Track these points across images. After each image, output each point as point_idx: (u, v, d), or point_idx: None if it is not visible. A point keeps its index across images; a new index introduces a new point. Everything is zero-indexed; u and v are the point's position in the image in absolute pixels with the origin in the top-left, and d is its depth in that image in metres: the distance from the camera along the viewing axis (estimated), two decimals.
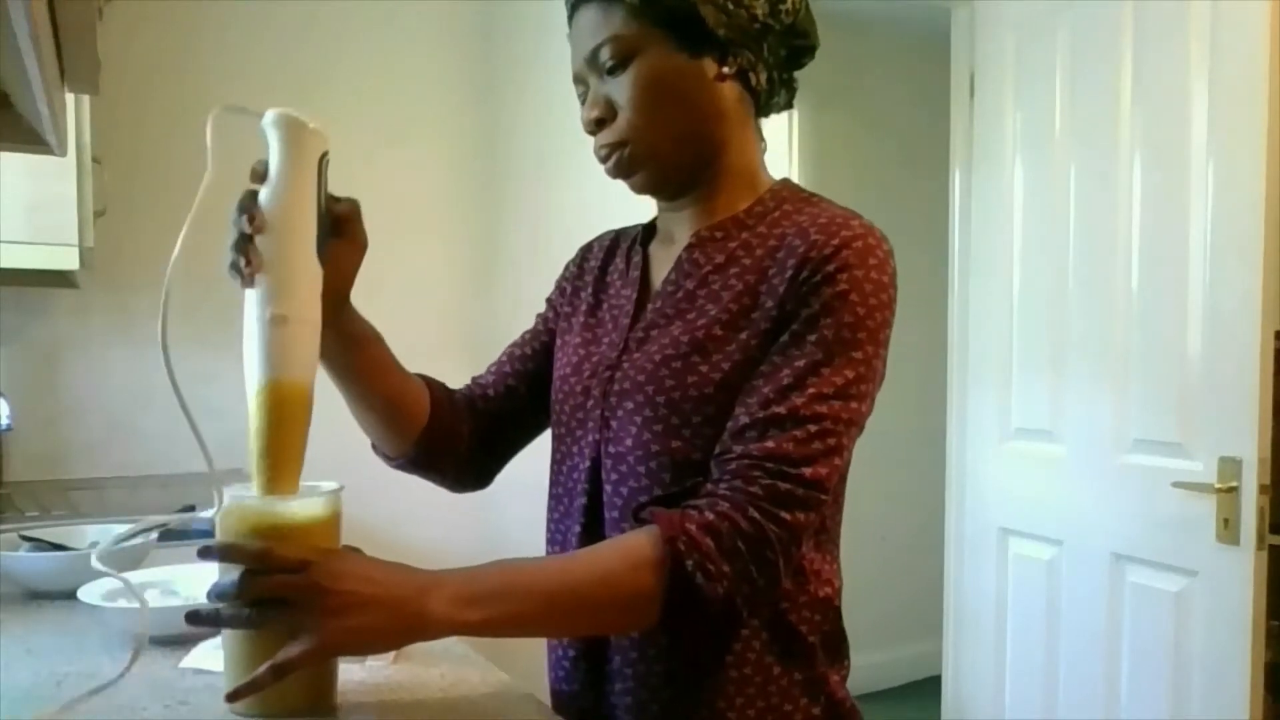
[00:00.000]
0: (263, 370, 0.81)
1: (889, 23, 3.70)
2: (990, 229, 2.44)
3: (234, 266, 0.81)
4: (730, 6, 0.90)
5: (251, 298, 0.82)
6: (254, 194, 0.82)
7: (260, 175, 0.82)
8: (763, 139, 1.00)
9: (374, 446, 1.06)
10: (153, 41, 2.35)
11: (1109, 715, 2.11)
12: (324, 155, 0.85)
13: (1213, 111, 1.87)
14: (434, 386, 1.05)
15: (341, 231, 0.89)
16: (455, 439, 1.05)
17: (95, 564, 0.84)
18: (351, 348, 0.95)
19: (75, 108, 1.74)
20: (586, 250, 1.11)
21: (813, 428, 0.82)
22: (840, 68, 3.59)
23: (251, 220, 0.80)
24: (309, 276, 0.83)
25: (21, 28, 0.59)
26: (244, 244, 0.80)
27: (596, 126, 0.94)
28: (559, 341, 1.06)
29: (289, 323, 0.81)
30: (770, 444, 0.82)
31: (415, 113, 2.68)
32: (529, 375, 1.08)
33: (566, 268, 1.12)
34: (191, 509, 1.49)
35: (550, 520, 1.02)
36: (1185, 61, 1.92)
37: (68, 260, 1.84)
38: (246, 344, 0.82)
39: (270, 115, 0.83)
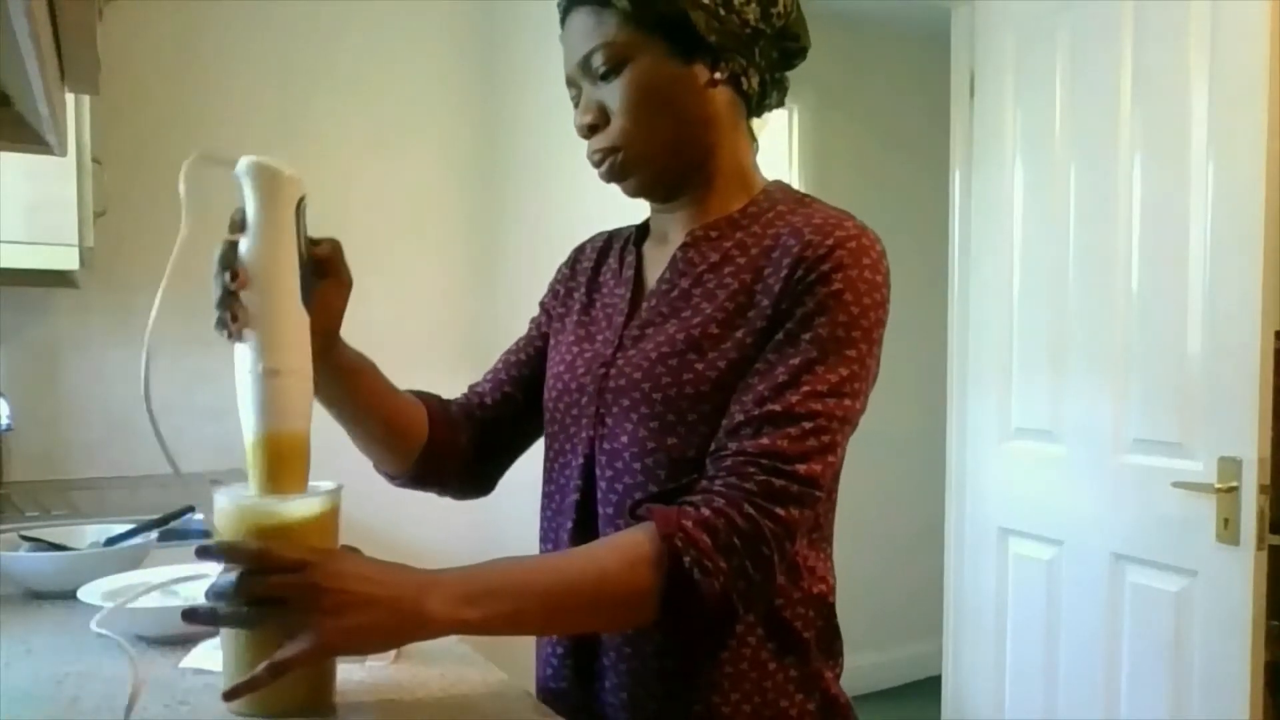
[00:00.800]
0: (259, 423, 0.81)
1: (889, 23, 3.70)
2: (990, 229, 2.44)
3: (220, 323, 0.81)
4: (722, 13, 0.91)
5: (242, 352, 0.82)
6: (234, 245, 0.81)
7: (239, 225, 0.82)
8: (754, 139, 1.00)
9: (376, 467, 1.07)
10: (153, 41, 2.35)
11: (1109, 715, 2.11)
12: (301, 200, 0.84)
13: (1213, 111, 1.87)
14: (430, 403, 1.06)
15: (325, 273, 0.89)
16: (455, 452, 1.06)
17: (96, 628, 0.84)
18: (344, 382, 0.96)
19: (75, 108, 1.74)
20: (579, 252, 1.12)
21: (807, 425, 0.83)
22: (840, 68, 3.59)
23: (235, 277, 0.80)
24: (297, 326, 0.83)
25: (21, 28, 0.59)
26: (229, 300, 0.81)
27: (589, 132, 0.95)
28: (552, 342, 1.06)
29: (281, 375, 0.81)
30: (765, 441, 0.83)
31: (414, 113, 2.68)
32: (525, 381, 1.09)
33: (559, 270, 1.13)
34: (191, 509, 1.49)
35: (543, 518, 1.02)
36: (1185, 61, 1.92)
37: (68, 260, 1.84)
38: (240, 397, 0.82)
39: (244, 164, 0.82)
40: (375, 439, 1.02)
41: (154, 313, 0.79)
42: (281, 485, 0.82)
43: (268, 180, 0.82)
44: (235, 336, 0.82)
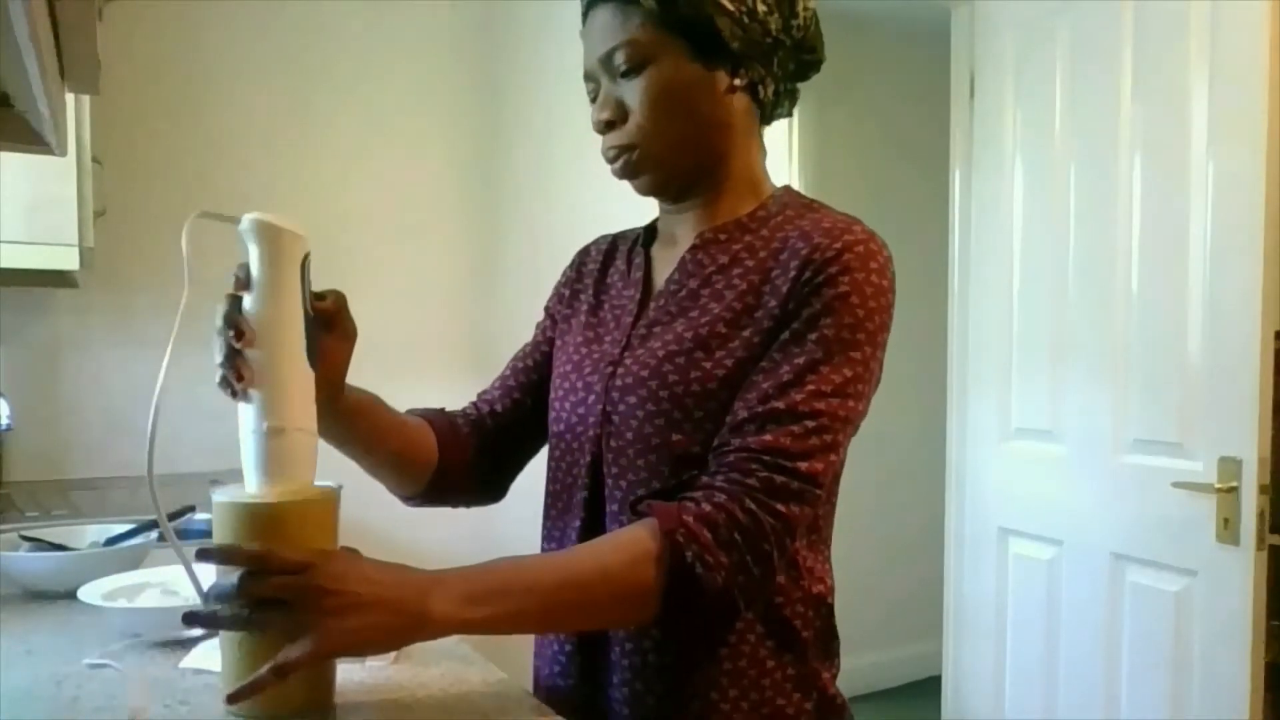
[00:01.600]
0: (261, 481, 0.81)
1: (889, 23, 3.70)
2: (990, 229, 2.44)
3: (224, 381, 0.81)
4: (746, 20, 0.92)
5: (246, 410, 0.82)
6: (238, 302, 0.81)
7: (243, 283, 0.82)
8: (764, 146, 1.01)
9: (389, 490, 1.08)
10: (153, 41, 2.34)
11: (1109, 715, 2.11)
12: (306, 256, 0.84)
13: (1213, 111, 1.87)
14: (437, 423, 1.06)
15: (330, 326, 0.89)
16: (465, 467, 1.07)
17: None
18: (352, 426, 0.97)
19: (75, 108, 1.74)
20: (584, 254, 1.12)
21: (810, 424, 0.84)
22: (840, 68, 3.56)
23: (239, 335, 0.80)
24: (302, 384, 0.83)
25: (21, 28, 0.59)
26: (233, 358, 0.80)
27: (606, 128, 0.95)
28: (559, 343, 1.06)
29: (285, 434, 0.81)
30: (768, 438, 0.83)
31: (415, 114, 2.68)
32: (533, 387, 1.09)
33: (564, 274, 1.13)
34: (191, 509, 1.49)
35: (547, 517, 1.03)
36: (1185, 61, 1.92)
37: (68, 260, 1.84)
38: (244, 455, 0.82)
39: (247, 222, 0.81)
40: (386, 469, 1.03)
41: (161, 375, 0.79)
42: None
43: (272, 238, 0.82)
44: (240, 395, 0.82)
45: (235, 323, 0.80)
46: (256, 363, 0.81)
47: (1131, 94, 2.05)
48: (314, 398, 0.84)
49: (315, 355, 0.85)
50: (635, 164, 0.94)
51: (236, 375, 0.80)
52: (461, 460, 1.06)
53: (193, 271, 0.78)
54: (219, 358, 0.81)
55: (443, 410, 1.10)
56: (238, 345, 0.80)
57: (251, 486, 0.82)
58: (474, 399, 1.13)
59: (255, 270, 0.82)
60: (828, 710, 0.94)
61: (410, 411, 1.07)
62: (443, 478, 1.05)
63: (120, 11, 2.20)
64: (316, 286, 0.88)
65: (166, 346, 0.79)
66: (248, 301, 0.81)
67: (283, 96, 2.49)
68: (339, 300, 0.91)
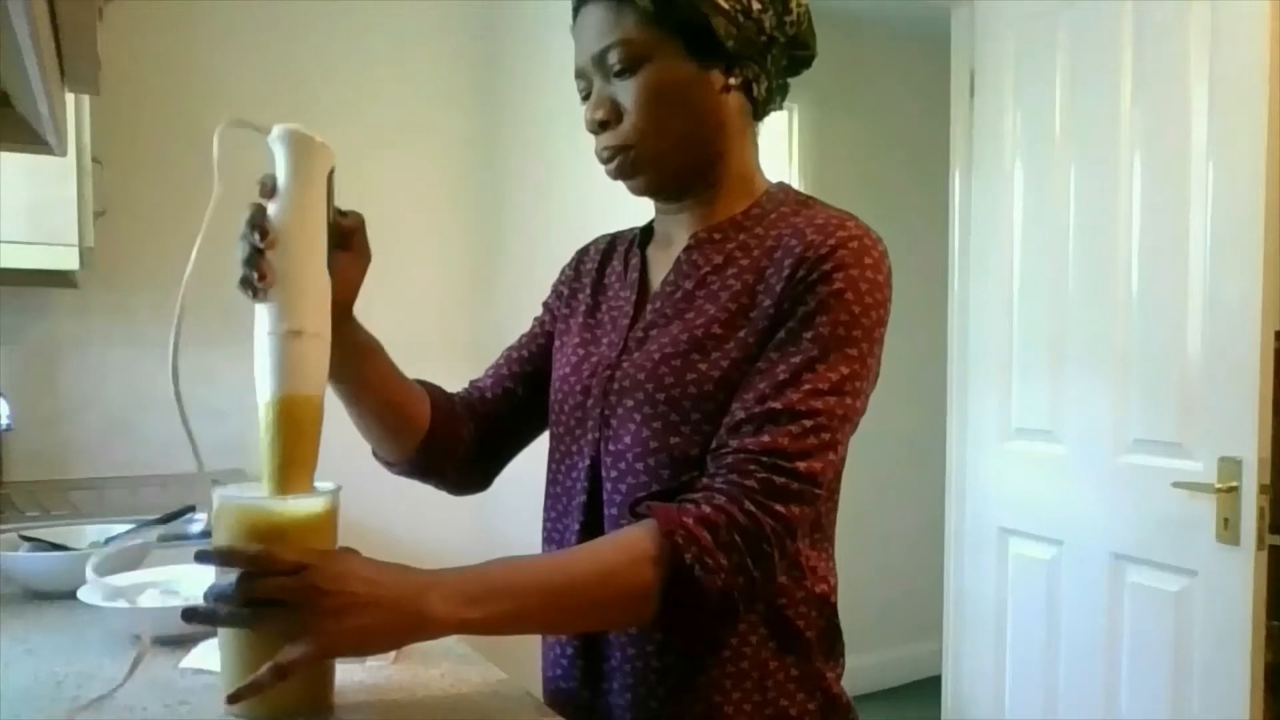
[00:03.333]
0: (275, 384, 0.81)
1: (889, 23, 3.70)
2: (990, 229, 2.44)
3: (245, 281, 0.81)
4: (741, 19, 0.91)
5: (263, 312, 0.82)
6: (263, 209, 0.82)
7: (269, 190, 0.82)
8: (758, 143, 1.01)
9: (375, 453, 1.07)
10: (153, 41, 2.34)
11: (1109, 715, 2.11)
12: (331, 170, 0.85)
13: (1213, 111, 1.87)
14: (434, 392, 1.06)
15: (347, 245, 0.90)
16: (456, 443, 1.06)
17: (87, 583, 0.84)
18: (355, 359, 0.96)
19: (75, 108, 1.74)
20: (582, 254, 1.12)
21: (808, 423, 0.84)
22: (840, 68, 3.59)
23: (264, 235, 0.80)
24: (320, 291, 0.84)
25: (21, 28, 0.59)
26: (256, 259, 0.81)
27: (600, 128, 0.94)
28: (557, 344, 1.06)
29: (302, 337, 0.82)
30: (766, 438, 0.83)
31: (415, 113, 2.68)
32: (527, 378, 1.09)
33: (562, 272, 1.13)
34: (191, 509, 1.49)
35: (547, 519, 1.03)
36: (1185, 61, 1.92)
37: (68, 260, 1.84)
38: (258, 357, 0.82)
39: (278, 130, 0.83)
40: (377, 421, 1.01)
41: (189, 269, 0.80)
42: (295, 448, 0.82)
43: (302, 146, 0.83)
44: (260, 296, 0.82)
45: (260, 225, 0.81)
46: (278, 264, 0.81)
47: (1131, 94, 2.05)
48: (329, 306, 0.85)
49: (333, 269, 0.86)
50: (631, 164, 0.94)
51: (259, 275, 0.80)
52: (453, 433, 1.05)
53: (221, 177, 0.80)
54: (241, 257, 0.81)
55: (439, 387, 1.09)
56: (260, 245, 0.80)
57: (264, 391, 0.82)
58: (466, 385, 1.12)
59: (282, 177, 0.83)
60: (832, 710, 0.94)
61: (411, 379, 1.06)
62: (432, 448, 1.04)
63: (120, 11, 2.20)
64: None
65: (188, 264, 0.80)
66: (273, 208, 0.82)
67: (283, 97, 2.49)
68: (360, 220, 0.92)
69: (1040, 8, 2.28)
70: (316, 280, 0.84)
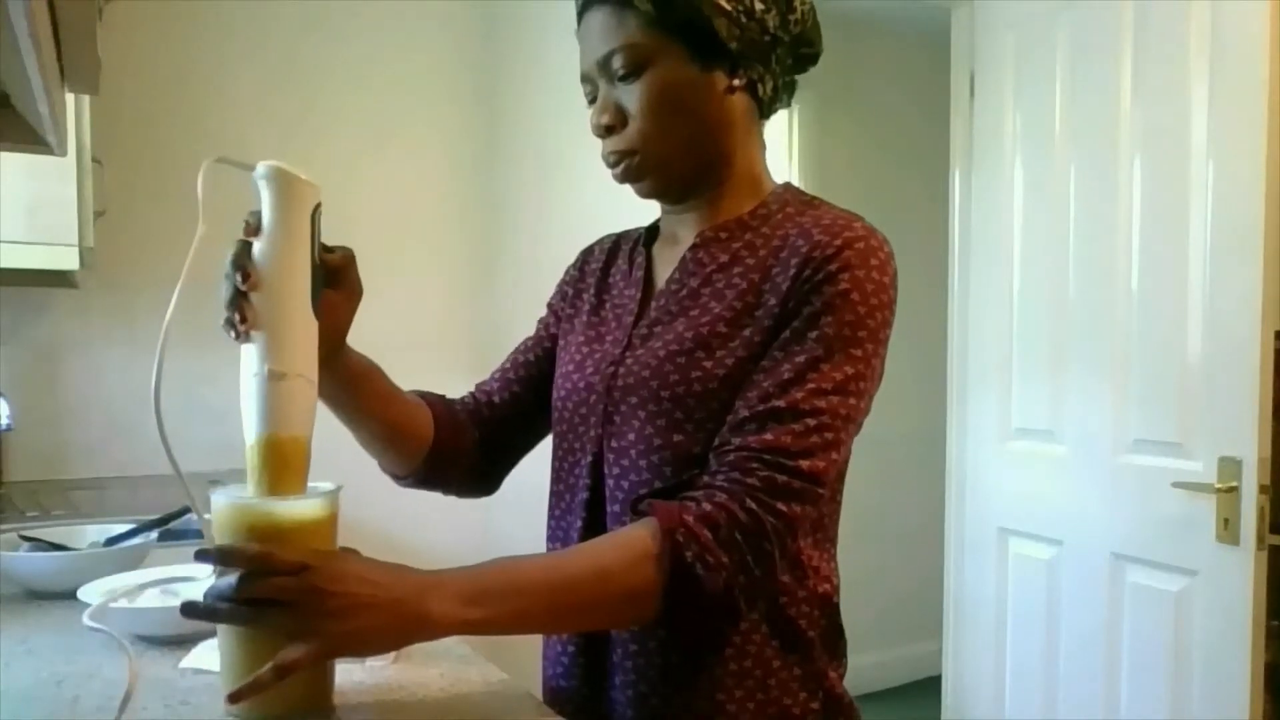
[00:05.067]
0: (260, 426, 0.81)
1: (889, 23, 3.70)
2: (990, 229, 2.44)
3: (229, 323, 0.81)
4: (744, 20, 0.91)
5: (248, 353, 0.82)
6: (247, 247, 0.81)
7: (253, 228, 0.82)
8: (764, 142, 1.01)
9: (382, 467, 1.07)
10: (153, 41, 2.34)
11: (1109, 715, 2.11)
12: (317, 207, 0.84)
13: (1213, 111, 1.87)
14: (434, 404, 1.06)
15: (336, 281, 0.90)
16: (461, 452, 1.06)
17: (89, 621, 0.84)
18: (350, 388, 0.96)
19: (75, 108, 1.74)
20: (587, 254, 1.12)
21: (811, 422, 0.83)
22: (840, 68, 3.59)
23: (246, 277, 0.80)
24: (305, 332, 0.83)
25: (21, 28, 0.59)
26: (239, 301, 0.80)
27: (606, 132, 0.94)
28: (561, 343, 1.06)
29: (286, 379, 0.81)
30: (769, 436, 0.83)
31: (415, 113, 2.68)
32: (533, 380, 1.09)
33: (567, 272, 1.13)
34: (189, 511, 1.49)
35: (551, 518, 1.03)
36: (1185, 61, 1.92)
37: (68, 260, 1.84)
38: (244, 398, 0.82)
39: (262, 169, 0.82)
40: (380, 441, 1.02)
41: (170, 311, 0.79)
42: (280, 489, 0.81)
43: (286, 185, 0.82)
44: (242, 337, 0.81)
45: (243, 265, 0.80)
46: (261, 307, 0.81)
47: (1131, 94, 2.05)
48: (315, 346, 0.84)
49: (320, 307, 0.85)
50: (636, 168, 0.94)
51: (240, 317, 0.80)
52: (456, 442, 1.06)
53: (208, 214, 0.79)
54: (224, 299, 0.81)
55: (442, 396, 1.09)
56: (243, 287, 0.80)
57: (250, 432, 0.81)
58: (472, 389, 1.12)
59: (266, 216, 0.82)
60: (835, 710, 0.94)
61: (411, 392, 1.06)
62: (436, 460, 1.04)
63: (120, 11, 2.20)
64: None
65: (176, 286, 0.79)
66: (257, 247, 0.82)
67: (283, 97, 2.49)
68: (348, 256, 0.91)
69: (1040, 8, 2.28)
70: (301, 321, 0.83)
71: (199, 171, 0.79)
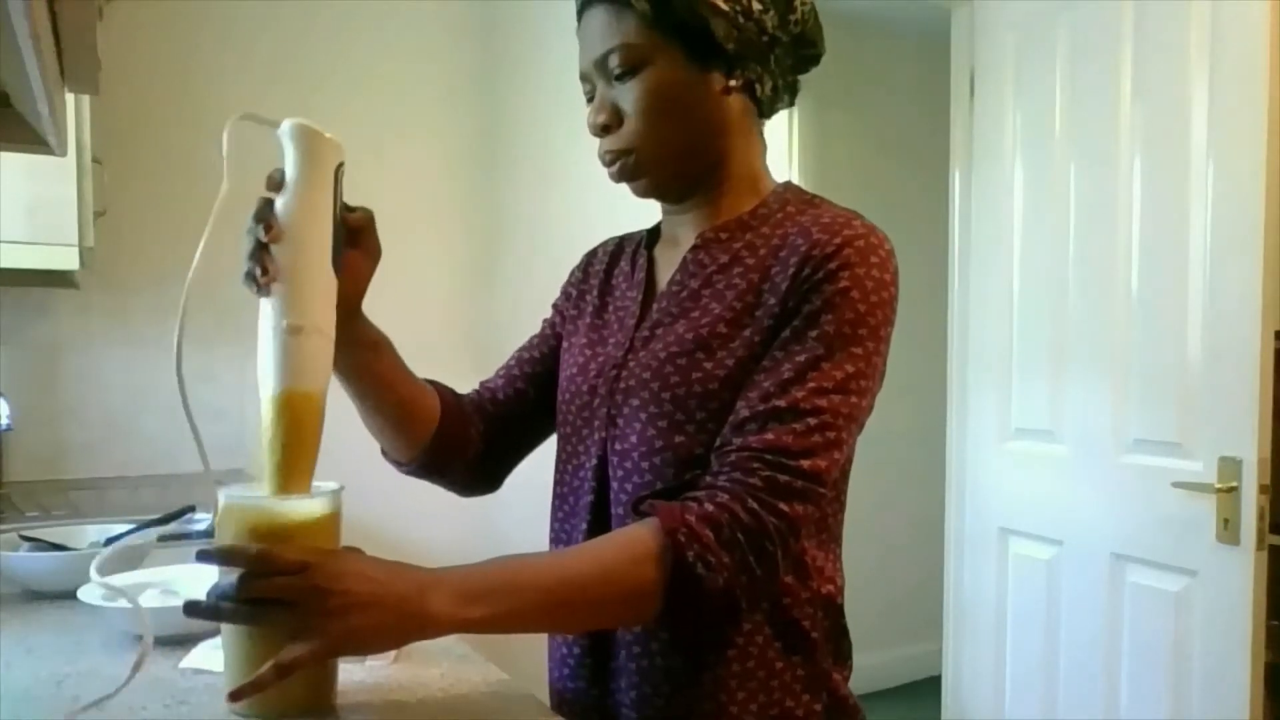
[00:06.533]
0: (277, 379, 0.81)
1: (889, 23, 3.70)
2: (990, 229, 2.44)
3: (250, 275, 0.81)
4: (741, 20, 0.91)
5: (266, 306, 0.82)
6: (270, 203, 0.82)
7: (276, 184, 0.83)
8: (764, 142, 1.01)
9: (384, 453, 1.07)
10: (153, 41, 2.34)
11: (1109, 715, 2.11)
12: (340, 165, 0.85)
13: (1213, 111, 1.87)
14: (443, 392, 1.06)
15: (356, 241, 0.90)
16: (465, 443, 1.06)
17: (95, 575, 0.84)
18: (363, 355, 0.96)
19: (75, 108, 1.74)
20: (591, 256, 1.13)
21: (812, 421, 0.83)
22: (840, 68, 3.59)
23: (268, 230, 0.80)
24: (324, 287, 0.84)
25: (21, 28, 0.59)
26: (260, 253, 0.81)
27: (602, 131, 0.95)
28: (565, 345, 1.06)
29: (304, 333, 0.81)
30: (770, 436, 0.83)
31: (415, 112, 2.68)
32: (537, 379, 1.09)
33: (571, 274, 1.13)
34: (191, 509, 1.49)
35: (554, 520, 1.03)
36: (1185, 61, 1.92)
37: (68, 260, 1.84)
38: (261, 352, 0.82)
39: (287, 125, 0.83)
40: (387, 419, 1.02)
41: (193, 267, 0.79)
42: (294, 444, 0.82)
43: (310, 141, 0.83)
44: (262, 290, 0.82)
45: (265, 218, 0.81)
46: (282, 260, 0.81)
47: (1131, 94, 2.05)
48: (334, 303, 0.85)
49: (339, 266, 0.86)
50: (632, 168, 0.94)
51: (262, 269, 0.81)
52: (462, 433, 1.05)
53: (230, 173, 0.79)
54: (246, 251, 0.81)
55: (448, 387, 1.09)
56: (265, 239, 0.80)
57: (266, 386, 0.82)
58: (476, 386, 1.12)
59: (290, 172, 0.82)
60: (839, 712, 0.93)
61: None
62: (439, 448, 1.04)
63: (120, 11, 2.21)
64: None
65: (199, 244, 0.79)
66: (280, 202, 0.82)
67: (283, 97, 2.49)
68: (369, 216, 0.91)
69: (1040, 8, 2.28)
70: (321, 276, 0.84)
71: (224, 129, 0.79)
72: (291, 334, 0.81)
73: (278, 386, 0.81)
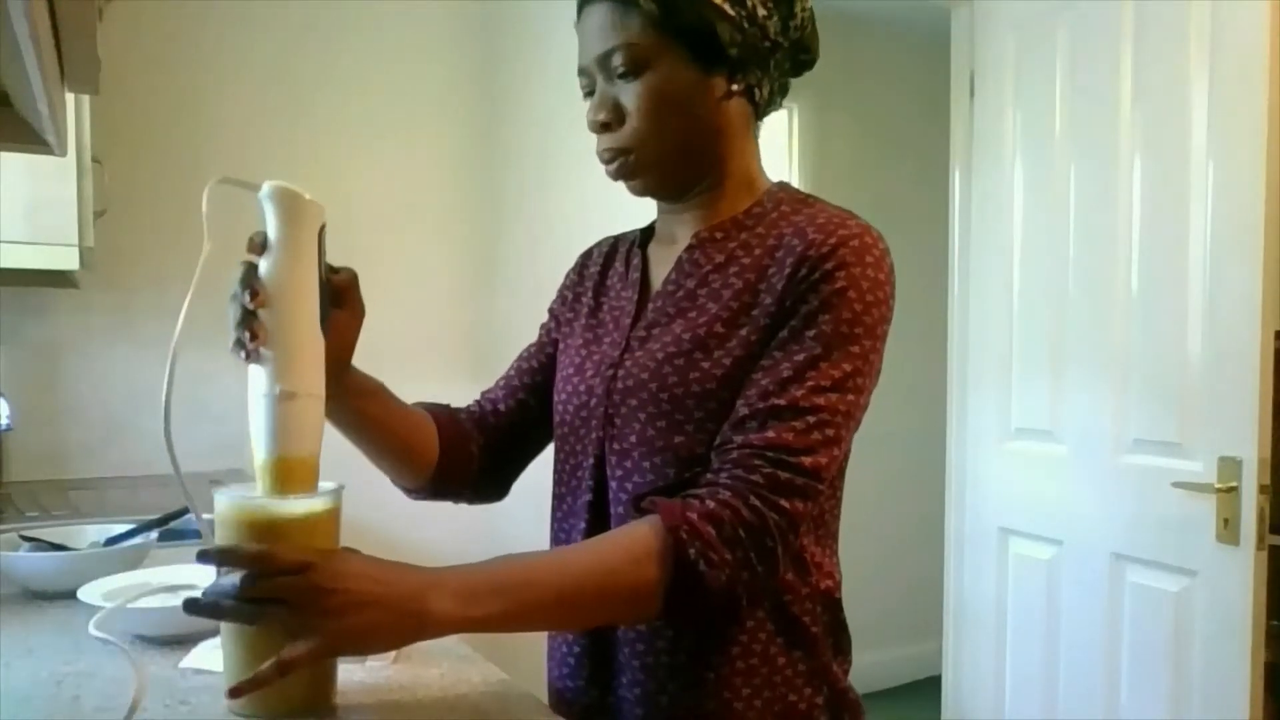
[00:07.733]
0: (270, 446, 0.81)
1: (889, 23, 3.70)
2: (990, 229, 2.44)
3: (238, 344, 0.81)
4: (746, 25, 0.91)
5: (256, 373, 0.82)
6: (254, 267, 0.82)
7: (259, 247, 0.82)
8: (759, 143, 1.01)
9: (393, 481, 1.08)
10: (153, 41, 2.34)
11: (1109, 715, 2.11)
12: (322, 227, 0.85)
13: (1213, 111, 1.87)
14: (440, 416, 1.07)
15: (341, 301, 0.90)
16: (467, 462, 1.07)
17: (94, 630, 0.84)
18: (355, 406, 0.97)
19: (75, 108, 1.74)
20: (586, 257, 1.13)
21: (811, 419, 0.84)
22: (840, 68, 3.59)
23: (254, 296, 0.80)
24: (313, 350, 0.84)
25: (21, 28, 0.59)
26: (248, 319, 0.81)
27: (602, 129, 0.94)
28: (561, 346, 1.07)
29: (296, 398, 0.81)
30: (770, 434, 0.83)
31: (415, 112, 2.68)
32: (537, 387, 1.10)
33: (567, 276, 1.13)
34: (189, 511, 1.49)
35: (554, 520, 1.03)
36: (1185, 61, 1.92)
37: (68, 260, 1.84)
38: (253, 418, 0.82)
39: (267, 188, 0.82)
40: (389, 457, 1.03)
41: (176, 335, 0.79)
42: None
43: (291, 204, 0.82)
44: (252, 357, 0.82)
45: (251, 284, 0.81)
46: (271, 324, 0.81)
47: (1131, 94, 2.05)
48: (323, 365, 0.85)
49: (326, 327, 0.85)
50: (631, 167, 0.94)
51: (250, 335, 0.80)
52: (463, 453, 1.06)
53: (213, 232, 0.79)
54: (233, 319, 0.81)
55: (447, 406, 1.10)
56: (252, 306, 0.80)
57: (260, 452, 0.82)
58: (478, 397, 1.13)
59: (273, 235, 0.82)
60: (840, 705, 0.94)
61: (415, 405, 1.07)
62: (445, 472, 1.05)
63: (120, 11, 2.20)
64: None
65: (187, 295, 0.79)
66: (264, 266, 0.82)
67: (283, 96, 2.49)
68: (352, 277, 0.91)
69: (1040, 8, 2.28)
70: (309, 340, 0.83)
71: (204, 191, 0.78)
72: (284, 400, 0.81)
73: (272, 453, 0.81)
